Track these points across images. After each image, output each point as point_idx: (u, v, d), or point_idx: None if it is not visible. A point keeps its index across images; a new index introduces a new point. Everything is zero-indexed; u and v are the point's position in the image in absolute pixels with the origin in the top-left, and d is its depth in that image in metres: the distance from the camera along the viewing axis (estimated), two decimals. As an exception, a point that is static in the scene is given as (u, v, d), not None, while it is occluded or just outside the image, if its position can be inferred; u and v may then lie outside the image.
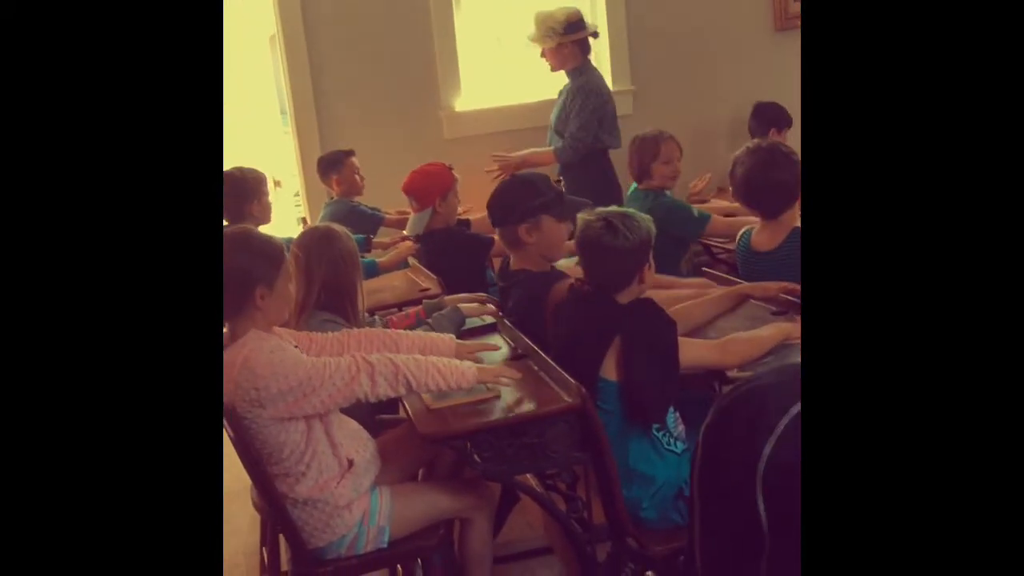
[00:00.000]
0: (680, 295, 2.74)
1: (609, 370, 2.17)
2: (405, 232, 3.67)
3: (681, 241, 3.64)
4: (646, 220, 2.30)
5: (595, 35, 4.26)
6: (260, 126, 5.83)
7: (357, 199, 4.22)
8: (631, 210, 2.34)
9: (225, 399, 1.98)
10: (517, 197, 2.67)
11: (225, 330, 2.05)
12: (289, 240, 2.63)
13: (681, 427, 2.24)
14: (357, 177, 4.19)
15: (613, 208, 2.34)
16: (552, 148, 4.14)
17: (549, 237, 2.66)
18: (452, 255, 3.37)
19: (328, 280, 2.47)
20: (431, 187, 3.42)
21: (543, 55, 4.20)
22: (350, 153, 4.20)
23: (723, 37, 4.91)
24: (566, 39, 4.09)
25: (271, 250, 2.09)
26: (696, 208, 3.68)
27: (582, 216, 2.32)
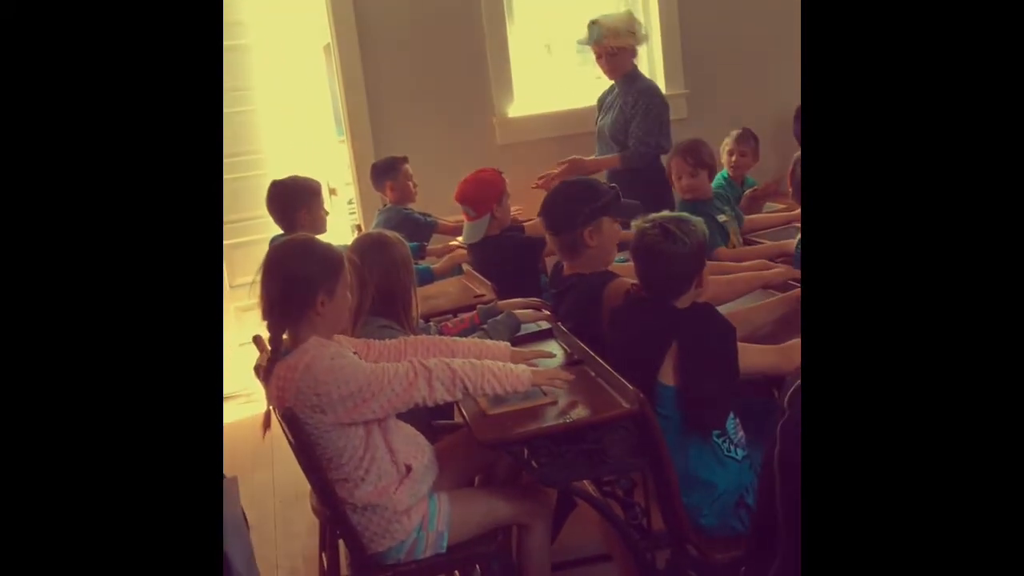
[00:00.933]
0: (740, 277, 2.74)
1: (667, 375, 2.16)
2: (462, 240, 3.68)
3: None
4: (700, 224, 2.28)
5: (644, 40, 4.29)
6: (315, 135, 5.90)
7: (411, 206, 4.24)
8: (685, 214, 2.32)
9: (287, 404, 2.00)
10: (580, 201, 2.67)
11: (285, 337, 2.07)
12: (344, 247, 2.65)
13: (741, 433, 2.21)
14: (410, 184, 4.20)
15: (667, 213, 2.32)
16: (619, 154, 4.10)
17: (609, 239, 2.65)
18: (506, 259, 3.37)
19: (382, 286, 2.48)
20: (487, 194, 3.43)
21: (599, 59, 4.19)
22: (403, 160, 4.23)
23: (775, 38, 4.85)
24: (634, 43, 4.11)
25: (332, 258, 2.11)
26: (726, 228, 3.61)
27: (637, 223, 2.31)
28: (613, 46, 4.11)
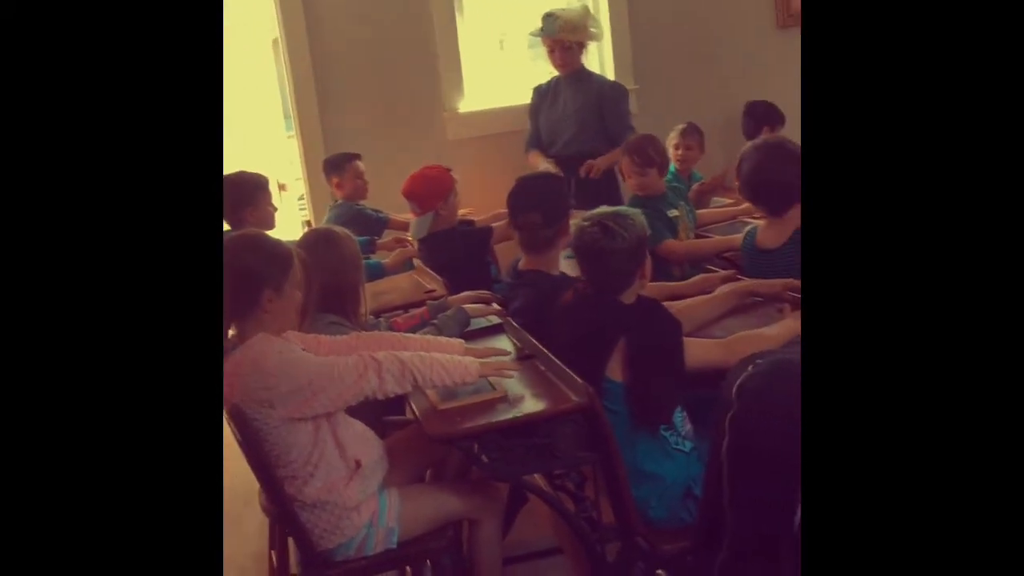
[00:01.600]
0: (682, 292, 2.75)
1: (615, 370, 2.17)
2: (409, 235, 3.67)
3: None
4: (639, 217, 2.29)
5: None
6: (264, 130, 5.83)
7: (362, 202, 4.22)
8: (623, 208, 2.34)
9: (234, 401, 1.98)
10: (562, 194, 2.69)
11: (232, 333, 2.05)
12: (294, 244, 2.63)
13: (689, 426, 2.23)
14: (360, 180, 4.19)
15: (605, 209, 2.33)
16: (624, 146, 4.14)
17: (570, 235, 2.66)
18: (454, 252, 3.37)
19: (330, 282, 2.47)
20: (432, 191, 3.42)
21: (552, 53, 4.21)
22: (354, 156, 4.20)
23: (725, 35, 4.91)
24: (590, 38, 4.16)
25: (280, 254, 2.09)
26: (675, 223, 3.63)
27: (576, 222, 2.32)
28: (569, 40, 4.12)
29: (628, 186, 3.67)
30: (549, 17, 4.17)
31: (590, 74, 4.31)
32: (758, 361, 1.74)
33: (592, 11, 4.82)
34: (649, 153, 3.55)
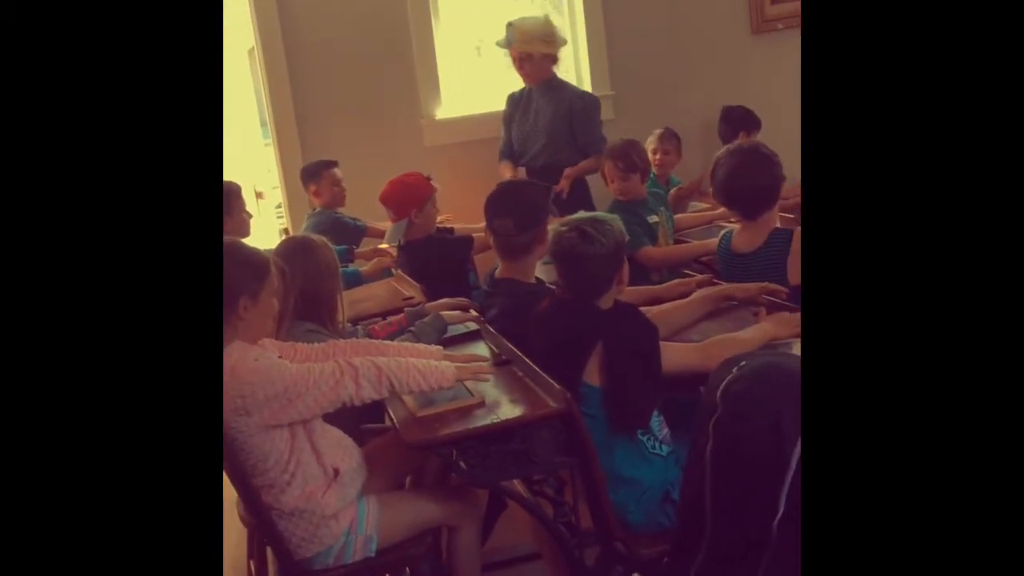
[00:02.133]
0: (658, 296, 2.76)
1: (592, 375, 2.18)
2: (384, 241, 3.67)
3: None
4: (616, 222, 2.31)
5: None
6: (241, 138, 5.82)
7: (340, 210, 4.21)
8: (601, 214, 2.35)
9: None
10: (541, 199, 2.69)
11: None
12: (271, 252, 2.63)
13: (666, 430, 2.24)
14: (338, 188, 4.18)
15: (583, 214, 2.34)
16: (594, 159, 4.10)
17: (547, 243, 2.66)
18: (433, 262, 3.37)
19: (307, 290, 2.47)
20: (407, 198, 3.42)
21: (520, 64, 4.20)
22: (332, 164, 4.20)
23: (700, 40, 4.93)
24: (546, 49, 4.12)
25: (256, 262, 2.08)
26: (654, 229, 3.65)
27: (553, 227, 2.33)
28: (524, 51, 4.11)
29: (611, 191, 3.69)
30: (509, 27, 4.15)
31: (562, 84, 4.28)
32: (742, 364, 1.75)
33: (568, 16, 4.84)
34: (632, 158, 3.57)
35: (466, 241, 3.43)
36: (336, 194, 4.19)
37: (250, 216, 3.52)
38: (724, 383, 1.72)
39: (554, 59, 4.22)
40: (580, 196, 4.06)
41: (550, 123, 4.18)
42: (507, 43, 4.18)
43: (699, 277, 2.97)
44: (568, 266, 2.28)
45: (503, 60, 4.89)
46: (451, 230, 3.71)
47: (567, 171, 4.08)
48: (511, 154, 4.34)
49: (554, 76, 4.25)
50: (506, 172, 4.25)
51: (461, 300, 2.91)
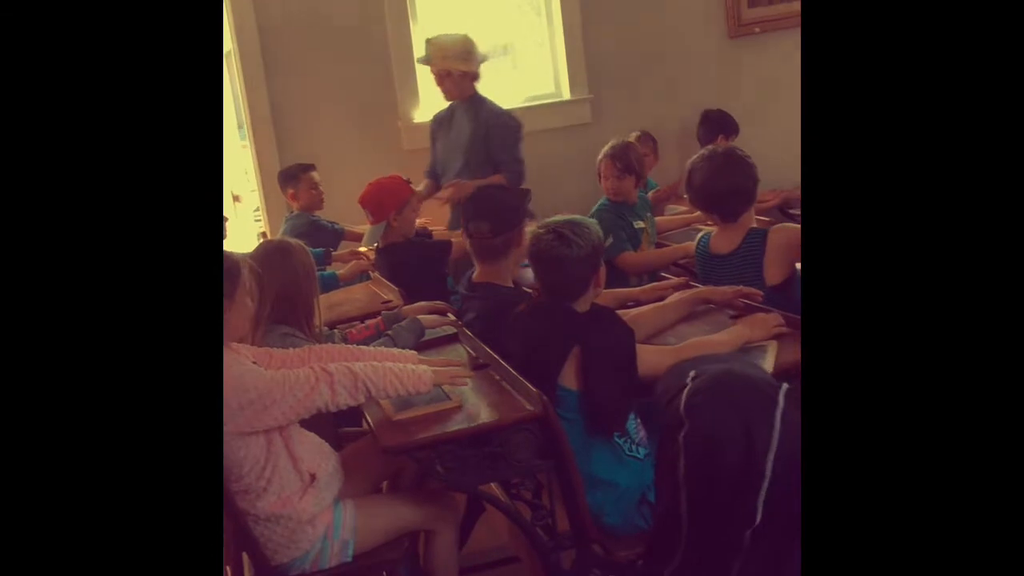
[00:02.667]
0: (635, 299, 2.76)
1: (569, 379, 2.18)
2: (362, 244, 3.66)
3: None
4: (594, 225, 2.31)
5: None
6: (218, 141, 5.79)
7: (318, 213, 4.21)
8: (579, 217, 2.36)
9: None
10: (516, 202, 2.68)
11: None
12: (246, 255, 2.62)
13: (642, 433, 2.25)
14: (315, 191, 4.18)
15: (561, 217, 2.35)
16: (502, 174, 4.02)
17: (526, 246, 2.65)
18: (412, 266, 3.37)
19: (283, 294, 2.46)
20: (386, 201, 3.41)
21: (440, 81, 4.11)
22: (309, 167, 4.19)
23: (678, 45, 4.96)
24: (463, 68, 4.06)
25: (227, 265, 2.07)
26: (639, 234, 3.64)
27: (531, 229, 2.33)
28: (443, 68, 4.07)
29: (603, 188, 3.68)
30: (427, 44, 4.10)
31: (483, 102, 4.17)
32: (692, 374, 1.75)
33: (545, 18, 4.84)
34: (631, 159, 3.60)
35: (444, 246, 3.42)
36: (314, 197, 4.18)
37: (226, 219, 3.50)
38: (685, 395, 1.72)
39: (475, 76, 4.12)
40: None
41: (468, 142, 4.11)
42: (426, 60, 4.12)
43: (675, 280, 2.98)
44: (545, 268, 2.29)
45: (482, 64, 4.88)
46: (430, 234, 3.70)
47: (463, 181, 3.92)
48: (434, 173, 4.26)
49: (476, 94, 4.16)
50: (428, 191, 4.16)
51: (438, 304, 2.91)
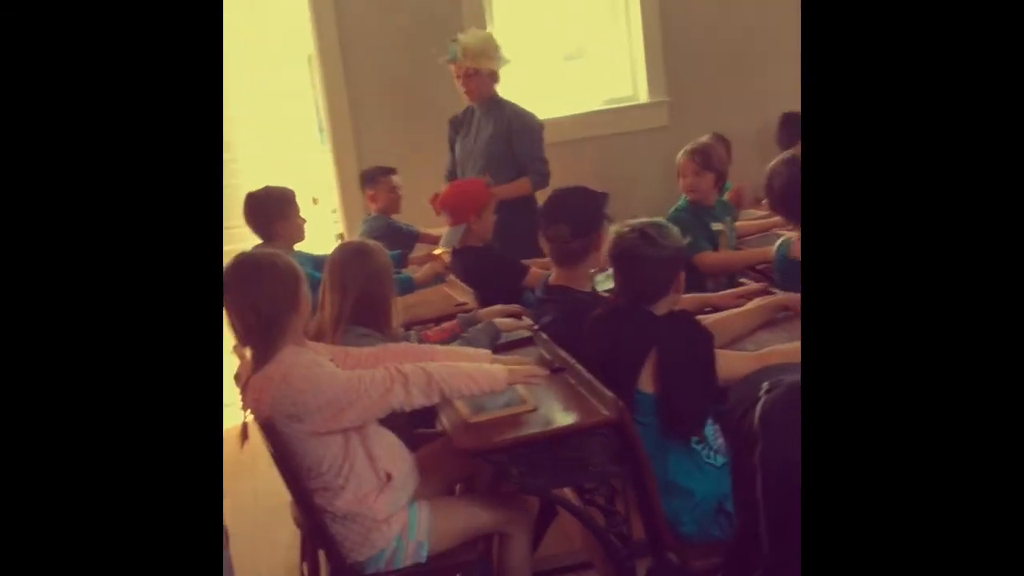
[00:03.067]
0: (713, 304, 2.73)
1: (646, 383, 2.16)
2: (439, 246, 3.67)
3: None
4: (675, 229, 2.29)
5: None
6: (299, 144, 5.91)
7: (395, 216, 4.25)
8: (661, 220, 2.34)
9: (264, 414, 2.00)
10: (596, 205, 2.66)
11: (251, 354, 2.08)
12: (325, 256, 2.66)
13: (721, 440, 2.21)
14: (394, 194, 4.23)
15: (644, 219, 2.33)
16: (527, 179, 4.00)
17: (604, 249, 2.62)
18: (487, 275, 3.36)
19: (361, 295, 2.48)
20: (466, 203, 3.42)
21: (465, 80, 4.06)
22: (390, 171, 4.25)
23: (758, 47, 4.88)
24: (491, 65, 4.02)
25: (294, 272, 2.11)
26: (716, 236, 3.57)
27: (615, 228, 2.31)
28: (469, 67, 4.02)
29: (680, 187, 3.60)
30: (453, 42, 4.06)
31: (503, 102, 4.12)
32: (765, 386, 1.72)
33: (625, 22, 4.81)
34: (711, 156, 3.48)
35: (521, 271, 3.36)
36: (392, 200, 4.23)
37: (304, 221, 3.57)
38: (759, 409, 1.68)
39: (496, 77, 4.08)
40: (524, 218, 3.74)
41: (489, 143, 4.06)
42: (449, 58, 4.08)
43: (754, 286, 2.93)
44: (627, 267, 2.27)
45: (561, 65, 4.88)
46: None
47: (492, 189, 3.69)
48: (453, 176, 4.22)
49: (496, 94, 4.11)
50: None
51: (514, 307, 2.91)
